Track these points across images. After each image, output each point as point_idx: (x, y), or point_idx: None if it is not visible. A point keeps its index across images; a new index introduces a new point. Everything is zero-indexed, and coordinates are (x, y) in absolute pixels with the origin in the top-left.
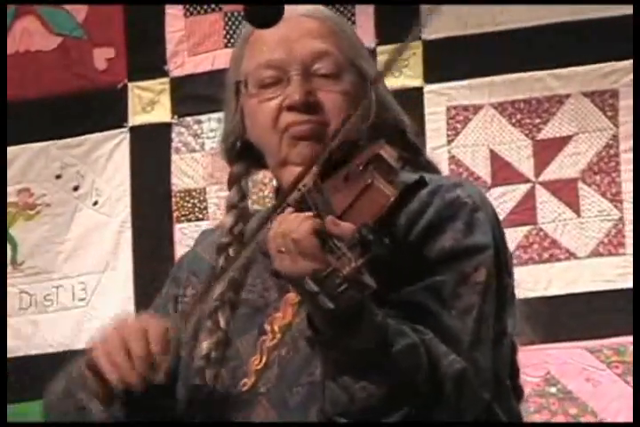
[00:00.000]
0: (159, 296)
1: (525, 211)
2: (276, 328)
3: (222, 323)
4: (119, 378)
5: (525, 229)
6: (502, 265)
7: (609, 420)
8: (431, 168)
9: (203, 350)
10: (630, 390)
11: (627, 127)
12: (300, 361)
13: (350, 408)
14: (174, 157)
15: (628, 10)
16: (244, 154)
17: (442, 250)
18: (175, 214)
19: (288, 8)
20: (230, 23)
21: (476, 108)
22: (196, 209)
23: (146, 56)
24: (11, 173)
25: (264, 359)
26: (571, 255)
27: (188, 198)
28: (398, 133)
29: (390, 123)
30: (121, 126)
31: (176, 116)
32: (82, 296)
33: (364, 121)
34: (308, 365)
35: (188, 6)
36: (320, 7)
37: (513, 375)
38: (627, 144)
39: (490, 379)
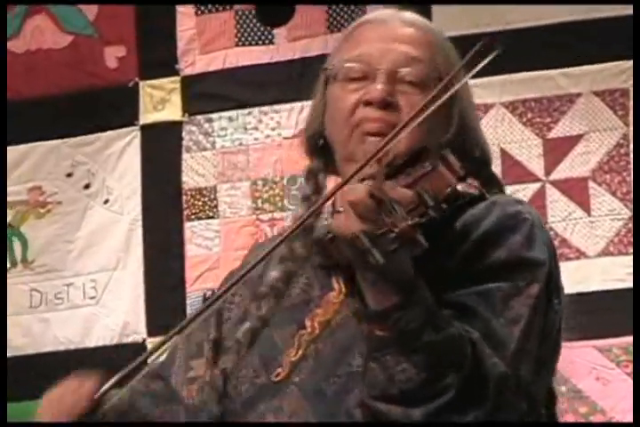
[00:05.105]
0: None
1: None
2: (315, 324)
3: (264, 310)
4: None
5: None
6: (553, 289)
7: (618, 418)
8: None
9: (239, 333)
10: None
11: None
12: (337, 354)
13: (388, 390)
14: (185, 156)
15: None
16: (323, 151)
17: (499, 259)
18: (186, 213)
19: (392, 14)
20: (241, 22)
21: (487, 107)
22: (207, 207)
23: (157, 54)
24: (22, 171)
25: (300, 352)
26: (581, 254)
27: (198, 197)
28: (481, 165)
29: (473, 152)
30: (132, 125)
31: (187, 115)
32: (92, 294)
33: (440, 135)
34: (346, 356)
35: (199, 4)
36: (425, 20)
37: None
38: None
39: (528, 390)
